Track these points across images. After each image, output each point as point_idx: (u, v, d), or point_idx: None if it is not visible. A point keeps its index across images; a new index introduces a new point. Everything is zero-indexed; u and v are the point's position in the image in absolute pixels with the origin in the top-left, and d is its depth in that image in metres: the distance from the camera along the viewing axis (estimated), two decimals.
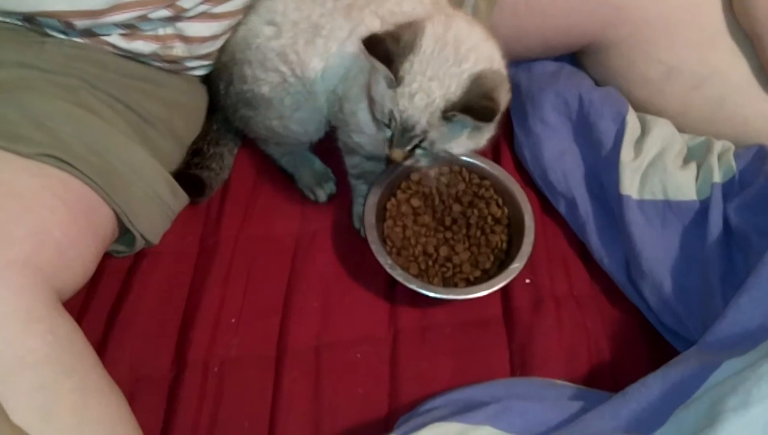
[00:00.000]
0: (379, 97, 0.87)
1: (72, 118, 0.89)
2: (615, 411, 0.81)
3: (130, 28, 0.97)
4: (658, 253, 1.00)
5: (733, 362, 0.77)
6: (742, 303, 0.85)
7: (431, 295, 0.97)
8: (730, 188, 1.00)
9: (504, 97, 0.86)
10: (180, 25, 1.00)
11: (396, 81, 0.83)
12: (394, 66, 0.82)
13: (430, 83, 0.83)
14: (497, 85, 0.85)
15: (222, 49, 1.08)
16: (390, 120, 0.86)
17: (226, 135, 1.17)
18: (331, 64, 0.97)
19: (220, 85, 1.10)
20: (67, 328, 0.78)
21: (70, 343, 0.77)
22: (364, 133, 0.97)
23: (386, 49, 0.82)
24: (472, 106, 0.83)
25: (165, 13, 0.96)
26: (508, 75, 0.93)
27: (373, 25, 0.92)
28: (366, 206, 1.03)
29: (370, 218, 1.01)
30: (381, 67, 0.83)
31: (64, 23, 0.92)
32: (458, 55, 0.83)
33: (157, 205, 0.99)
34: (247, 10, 1.06)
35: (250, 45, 1.02)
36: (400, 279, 0.97)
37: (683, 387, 0.79)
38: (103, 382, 0.79)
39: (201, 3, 0.98)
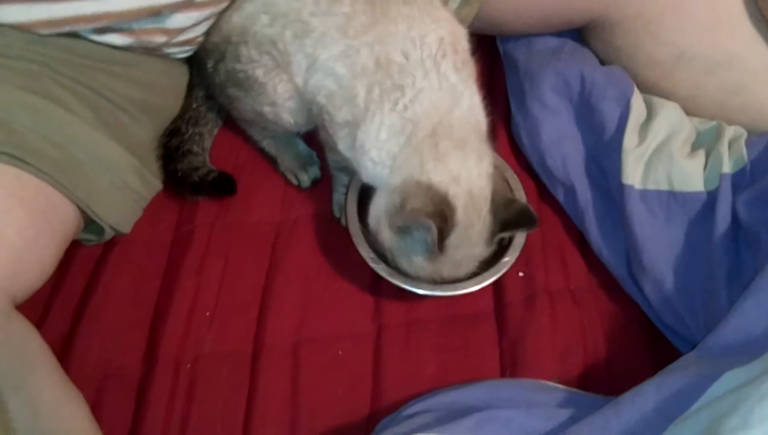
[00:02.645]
0: (414, 265, 0.88)
1: (30, 109, 0.85)
2: (605, 422, 0.76)
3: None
4: (660, 248, 0.94)
5: (734, 373, 0.73)
6: (747, 307, 0.80)
7: (418, 291, 0.91)
8: (740, 179, 0.94)
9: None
10: (159, 18, 0.94)
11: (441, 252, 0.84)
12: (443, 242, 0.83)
13: (471, 250, 0.86)
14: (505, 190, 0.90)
15: (213, 32, 1.02)
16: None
17: (206, 114, 1.11)
18: (316, 70, 0.91)
19: (208, 63, 1.03)
20: (19, 337, 0.75)
21: (22, 353, 0.74)
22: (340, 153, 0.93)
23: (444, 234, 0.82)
24: (512, 223, 0.87)
25: (143, 22, 0.91)
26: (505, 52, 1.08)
27: (367, 62, 0.86)
28: (348, 196, 0.98)
29: (353, 208, 0.96)
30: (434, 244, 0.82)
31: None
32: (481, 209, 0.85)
33: (126, 194, 0.95)
34: None
35: (248, 30, 0.96)
36: (384, 274, 0.92)
37: (680, 398, 0.74)
38: (58, 390, 0.76)
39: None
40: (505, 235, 0.90)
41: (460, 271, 0.88)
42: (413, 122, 0.84)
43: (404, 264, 0.88)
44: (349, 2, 0.89)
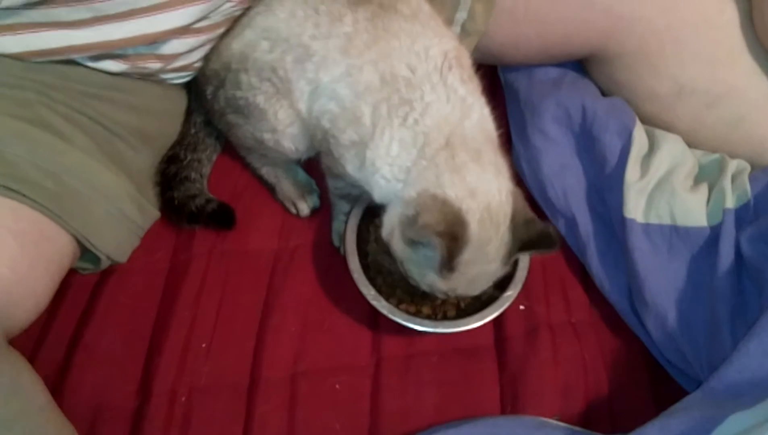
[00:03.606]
0: (426, 279, 0.85)
1: (25, 139, 0.83)
2: None
3: None
4: (663, 283, 0.93)
5: (739, 417, 0.72)
6: (751, 348, 0.79)
7: (418, 328, 0.90)
8: (743, 214, 0.93)
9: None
10: (154, 44, 0.93)
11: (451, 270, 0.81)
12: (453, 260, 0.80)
13: (487, 266, 0.83)
14: (529, 211, 0.86)
15: (213, 58, 1.01)
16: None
17: (205, 140, 1.10)
18: (319, 95, 0.90)
19: (207, 89, 1.02)
20: (11, 373, 0.73)
21: (13, 390, 0.72)
22: (347, 177, 0.91)
23: (452, 255, 0.79)
24: (533, 243, 0.84)
25: (138, 48, 0.90)
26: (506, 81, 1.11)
27: (371, 80, 0.85)
28: (347, 229, 0.96)
29: (352, 242, 0.95)
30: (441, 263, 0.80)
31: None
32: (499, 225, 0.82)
33: (123, 223, 0.93)
34: (238, 25, 0.98)
35: (248, 57, 0.94)
36: (384, 311, 0.90)
37: None
38: (51, 427, 0.74)
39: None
40: (524, 254, 0.87)
41: (474, 288, 0.86)
42: (425, 134, 0.82)
43: (416, 276, 0.86)
44: (351, 22, 0.88)
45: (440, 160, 0.81)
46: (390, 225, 0.84)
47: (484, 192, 0.81)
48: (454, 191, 0.80)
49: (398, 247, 0.84)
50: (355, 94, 0.86)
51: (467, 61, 0.91)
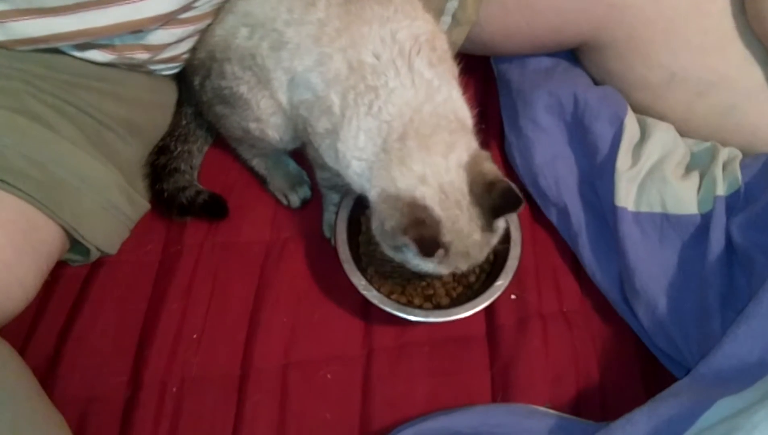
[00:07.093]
0: (427, 269, 0.83)
1: (11, 129, 0.83)
2: None
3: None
4: (653, 271, 0.93)
5: (727, 401, 0.72)
6: (740, 334, 0.79)
7: (409, 318, 0.90)
8: (734, 202, 0.93)
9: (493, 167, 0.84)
10: (141, 34, 0.92)
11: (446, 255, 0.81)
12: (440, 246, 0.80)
13: (470, 238, 0.81)
14: (491, 172, 0.82)
15: (199, 47, 1.01)
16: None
17: (196, 131, 1.10)
18: (297, 85, 0.89)
19: (195, 80, 1.02)
20: None
21: (1, 377, 0.71)
22: (329, 168, 0.91)
23: (430, 238, 0.79)
24: (499, 207, 0.81)
25: (125, 38, 0.89)
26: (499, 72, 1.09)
27: (340, 68, 0.84)
28: (338, 220, 0.96)
29: (342, 233, 0.95)
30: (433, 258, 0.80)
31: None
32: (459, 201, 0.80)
33: (112, 214, 0.93)
34: (222, 10, 0.97)
35: (230, 45, 0.94)
36: (375, 301, 0.90)
37: (672, 426, 0.74)
38: (40, 417, 0.73)
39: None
40: (501, 219, 0.85)
41: (476, 259, 0.84)
42: (388, 123, 0.81)
43: (420, 270, 0.84)
44: (324, 7, 0.87)
45: (393, 153, 0.81)
46: (376, 239, 0.85)
47: (434, 174, 0.80)
48: (404, 183, 0.80)
49: (393, 254, 0.84)
50: (325, 83, 0.85)
51: (442, 45, 0.90)
